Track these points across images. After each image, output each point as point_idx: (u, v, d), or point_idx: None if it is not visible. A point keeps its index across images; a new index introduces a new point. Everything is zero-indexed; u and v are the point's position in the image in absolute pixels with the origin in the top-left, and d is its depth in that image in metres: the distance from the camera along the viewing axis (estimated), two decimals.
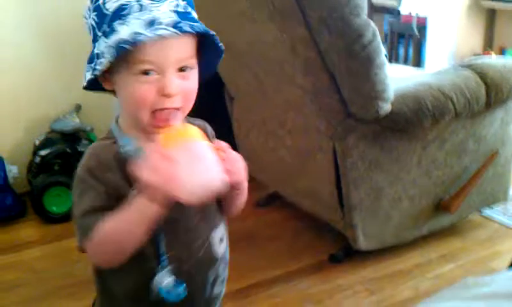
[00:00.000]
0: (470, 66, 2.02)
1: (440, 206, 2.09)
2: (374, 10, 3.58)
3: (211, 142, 0.95)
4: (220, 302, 1.05)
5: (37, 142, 2.51)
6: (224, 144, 0.97)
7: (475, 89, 1.93)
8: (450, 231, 2.20)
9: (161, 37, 0.84)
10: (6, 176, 2.41)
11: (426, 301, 0.88)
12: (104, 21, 0.88)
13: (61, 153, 2.43)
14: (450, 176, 2.08)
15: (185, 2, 0.91)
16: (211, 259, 0.98)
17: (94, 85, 0.93)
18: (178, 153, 0.82)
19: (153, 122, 0.89)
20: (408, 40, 3.71)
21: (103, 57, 0.87)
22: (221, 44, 0.97)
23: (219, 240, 1.00)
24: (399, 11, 3.65)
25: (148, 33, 0.84)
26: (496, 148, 2.14)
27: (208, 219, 0.98)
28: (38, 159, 2.45)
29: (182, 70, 0.90)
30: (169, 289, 0.92)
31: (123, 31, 0.85)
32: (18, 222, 2.40)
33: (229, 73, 2.29)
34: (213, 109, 2.55)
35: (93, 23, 0.90)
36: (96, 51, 0.89)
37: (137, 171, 0.81)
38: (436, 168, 2.03)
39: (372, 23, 1.65)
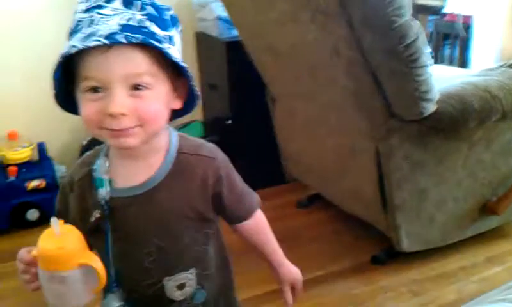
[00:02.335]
0: None
1: (486, 208, 2.05)
2: (418, 10, 3.53)
3: (219, 180, 0.95)
4: None
5: (84, 143, 2.58)
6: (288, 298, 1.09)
7: None
8: (496, 234, 2.15)
9: (96, 48, 0.80)
10: (54, 176, 2.48)
11: (470, 303, 0.87)
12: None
13: None
14: (496, 177, 2.04)
15: (144, 17, 0.84)
16: (163, 299, 0.96)
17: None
18: (42, 277, 0.83)
19: (109, 133, 0.85)
20: (454, 40, 3.64)
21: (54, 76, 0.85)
22: (190, 75, 0.89)
23: (177, 287, 0.96)
24: (443, 11, 3.59)
25: (78, 45, 0.80)
26: None
27: (163, 264, 0.94)
28: None
29: (136, 88, 0.84)
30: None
31: (64, 47, 0.84)
32: None
33: (271, 75, 2.30)
34: (255, 111, 2.58)
35: None
36: None
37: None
38: (482, 169, 1.99)
39: (416, 23, 1.63)
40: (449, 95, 1.79)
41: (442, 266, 2.00)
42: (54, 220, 0.81)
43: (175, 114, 0.94)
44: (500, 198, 2.05)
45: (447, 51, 3.66)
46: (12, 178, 2.40)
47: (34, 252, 0.82)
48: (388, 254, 2.05)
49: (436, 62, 1.79)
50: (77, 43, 0.81)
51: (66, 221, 0.88)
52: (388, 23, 1.59)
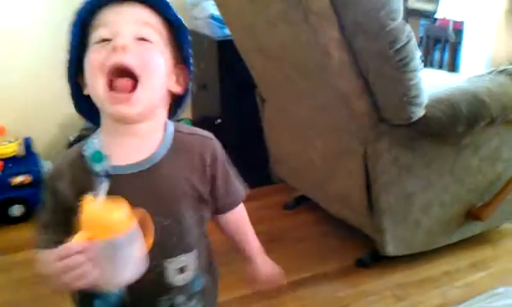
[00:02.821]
0: (506, 72, 1.99)
1: (471, 214, 2.06)
2: (410, 14, 3.54)
3: (215, 162, 0.96)
4: None
5: (71, 139, 2.56)
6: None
7: (511, 96, 1.89)
8: (481, 240, 2.16)
9: (109, 5, 0.87)
10: (40, 172, 2.46)
11: None
12: None
13: None
14: (483, 183, 2.05)
15: None
16: (163, 285, 0.94)
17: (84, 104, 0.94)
18: (95, 251, 0.76)
19: (110, 95, 0.86)
20: (444, 45, 3.66)
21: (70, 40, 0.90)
22: (191, 63, 0.96)
23: (178, 270, 0.95)
24: (435, 16, 3.61)
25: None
26: None
27: (163, 246, 0.92)
28: None
29: (142, 39, 0.88)
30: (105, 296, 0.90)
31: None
32: None
33: (262, 75, 2.30)
34: (245, 111, 2.58)
35: None
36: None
37: (46, 263, 0.79)
38: (469, 175, 2.00)
39: (408, 27, 1.64)
40: (438, 100, 1.80)
41: (426, 270, 2.01)
42: (104, 186, 0.80)
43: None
44: (485, 204, 2.06)
45: (437, 55, 3.68)
46: None
47: (81, 234, 0.76)
48: (372, 258, 2.05)
49: (425, 66, 1.79)
50: None
51: (57, 213, 0.88)
52: (379, 26, 1.59)
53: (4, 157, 2.43)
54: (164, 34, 0.91)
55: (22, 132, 2.56)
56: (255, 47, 2.13)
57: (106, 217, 0.76)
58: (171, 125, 0.97)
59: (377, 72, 1.71)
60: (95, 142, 0.92)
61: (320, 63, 1.80)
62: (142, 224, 0.80)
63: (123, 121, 0.90)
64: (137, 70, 0.86)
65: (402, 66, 1.65)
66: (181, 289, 0.96)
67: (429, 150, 1.90)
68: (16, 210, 2.40)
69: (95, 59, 0.86)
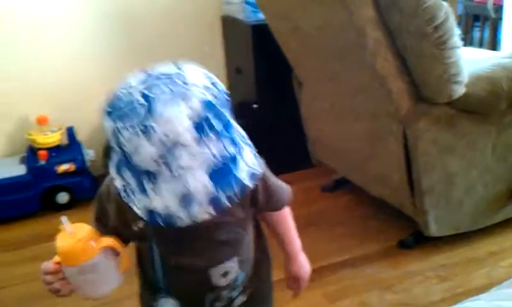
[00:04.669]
0: None
1: None
2: None
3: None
4: None
5: None
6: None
7: None
8: None
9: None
10: (83, 160, 2.52)
11: (499, 286, 0.86)
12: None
13: None
14: None
15: (225, 154, 0.77)
16: (208, 286, 0.98)
17: None
18: (64, 273, 0.88)
19: None
20: (484, 22, 3.56)
21: (134, 205, 0.79)
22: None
23: (221, 275, 0.98)
24: None
25: (182, 215, 0.76)
26: None
27: (208, 257, 0.97)
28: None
29: None
30: None
31: (156, 201, 0.76)
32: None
33: (297, 57, 2.29)
34: (281, 95, 2.58)
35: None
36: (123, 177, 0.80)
37: None
38: None
39: (446, 4, 1.60)
40: (479, 77, 1.76)
41: (470, 251, 1.98)
42: (64, 219, 0.86)
43: None
44: None
45: (476, 34, 3.59)
46: (42, 162, 2.44)
47: (56, 258, 0.87)
48: (415, 239, 2.03)
49: (465, 45, 1.76)
50: (174, 206, 0.75)
51: (107, 226, 0.92)
52: (416, 4, 1.57)
53: (48, 146, 2.50)
54: None
55: (65, 121, 2.62)
56: (289, 30, 2.12)
57: (66, 248, 0.85)
58: None
59: (415, 51, 1.68)
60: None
61: (356, 44, 1.78)
62: (113, 248, 0.90)
63: None
64: None
65: (441, 44, 1.62)
66: (225, 287, 1.00)
67: (470, 129, 1.87)
68: (62, 197, 2.47)
69: None
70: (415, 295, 1.78)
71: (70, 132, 2.59)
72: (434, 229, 1.94)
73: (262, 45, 2.49)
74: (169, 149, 0.73)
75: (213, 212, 0.76)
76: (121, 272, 0.90)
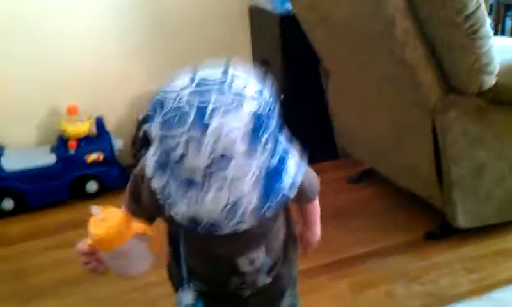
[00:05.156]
0: None
1: None
2: None
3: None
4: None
5: (140, 117, 2.64)
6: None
7: None
8: None
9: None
10: (112, 149, 2.56)
11: None
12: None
13: None
14: None
15: (270, 166, 0.78)
16: (235, 272, 1.00)
17: None
18: (106, 259, 0.90)
19: None
20: None
21: (171, 208, 0.81)
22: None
23: (248, 262, 0.99)
24: None
25: (224, 225, 0.77)
26: None
27: (236, 247, 0.97)
28: (141, 133, 2.58)
29: None
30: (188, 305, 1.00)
31: (197, 210, 0.77)
32: (124, 193, 2.54)
33: (325, 48, 2.28)
34: (308, 86, 2.57)
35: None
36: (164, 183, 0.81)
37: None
38: None
39: None
40: (510, 68, 1.74)
41: (499, 243, 1.96)
42: (94, 208, 0.87)
43: None
44: None
45: (508, 23, 3.53)
46: (72, 151, 2.49)
47: (89, 241, 0.89)
48: (443, 230, 2.02)
49: (496, 34, 1.73)
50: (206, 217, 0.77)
51: (139, 201, 0.94)
52: None
53: (77, 136, 2.54)
54: None
55: (94, 111, 2.65)
56: (317, 20, 2.12)
57: (98, 236, 0.86)
58: None
59: (445, 40, 1.66)
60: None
61: (385, 34, 1.77)
62: (146, 233, 0.91)
63: None
64: None
65: (472, 33, 1.60)
66: (251, 272, 1.01)
67: (500, 120, 1.85)
68: (91, 186, 2.51)
69: None
70: (442, 287, 1.77)
71: (99, 122, 2.63)
72: (462, 221, 1.93)
73: (290, 36, 2.49)
74: (217, 160, 0.72)
75: (254, 222, 0.76)
76: (153, 253, 0.93)
